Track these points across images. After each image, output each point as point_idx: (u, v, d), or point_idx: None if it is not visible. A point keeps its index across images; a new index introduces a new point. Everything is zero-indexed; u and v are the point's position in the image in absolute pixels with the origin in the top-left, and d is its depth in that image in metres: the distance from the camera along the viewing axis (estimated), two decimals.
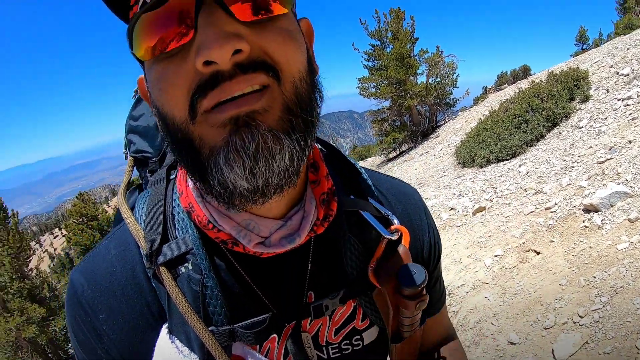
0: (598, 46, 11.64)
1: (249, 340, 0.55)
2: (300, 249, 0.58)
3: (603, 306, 3.03)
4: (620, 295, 2.97)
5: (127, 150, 0.91)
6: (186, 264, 0.55)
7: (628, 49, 8.46)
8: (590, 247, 3.73)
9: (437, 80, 15.52)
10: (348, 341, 0.64)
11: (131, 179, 0.83)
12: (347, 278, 0.62)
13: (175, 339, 0.54)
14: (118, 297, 0.55)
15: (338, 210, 0.58)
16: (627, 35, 10.47)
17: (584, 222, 4.21)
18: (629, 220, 3.90)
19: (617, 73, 7.24)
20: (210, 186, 0.45)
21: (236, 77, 0.41)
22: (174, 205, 0.59)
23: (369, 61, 16.33)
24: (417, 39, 15.19)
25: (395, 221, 0.64)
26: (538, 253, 4.11)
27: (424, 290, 0.61)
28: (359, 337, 0.65)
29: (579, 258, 3.67)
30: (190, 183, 0.56)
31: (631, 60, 7.46)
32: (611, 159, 5.05)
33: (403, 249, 0.62)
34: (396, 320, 0.64)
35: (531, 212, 4.74)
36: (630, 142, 5.10)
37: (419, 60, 15.23)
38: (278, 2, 0.45)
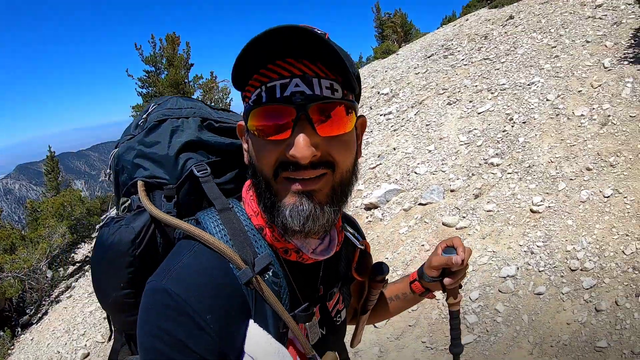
0: (359, 68, 13.39)
1: (304, 321, 0.79)
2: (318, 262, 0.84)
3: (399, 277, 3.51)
4: (411, 267, 3.42)
5: (117, 167, 0.97)
6: (269, 272, 0.75)
7: (386, 71, 10.04)
8: (377, 236, 4.24)
9: (211, 104, 15.62)
10: (336, 317, 0.93)
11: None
12: (340, 276, 0.93)
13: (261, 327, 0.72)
14: (220, 298, 0.69)
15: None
16: (385, 60, 12.26)
17: (367, 217, 4.80)
18: (404, 210, 4.61)
19: (379, 93, 8.69)
20: (275, 222, 0.71)
21: (308, 169, 0.66)
22: (244, 224, 0.78)
23: (143, 88, 15.63)
24: (192, 64, 15.21)
25: (359, 237, 0.95)
26: None
27: (385, 277, 0.97)
28: (340, 314, 0.94)
29: (372, 245, 4.10)
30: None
31: (389, 81, 9.01)
32: (380, 164, 5.92)
33: (370, 256, 0.96)
34: (365, 300, 1.01)
35: None
36: (394, 149, 6.07)
37: (194, 86, 15.26)
38: (345, 126, 0.69)
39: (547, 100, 5.22)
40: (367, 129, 7.09)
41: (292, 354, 0.75)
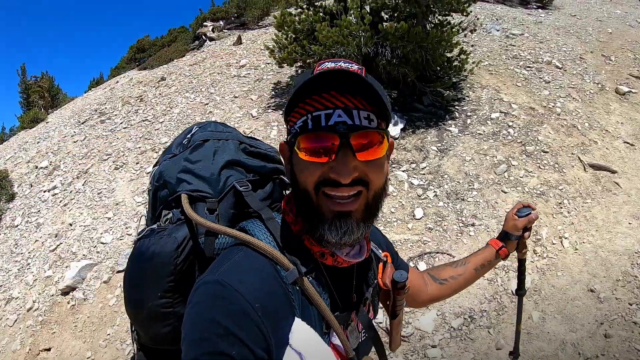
0: (4, 141, 11.41)
1: (343, 322, 0.87)
2: (350, 268, 0.91)
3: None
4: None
5: (157, 183, 1.06)
6: (312, 274, 0.84)
7: (39, 142, 9.11)
8: (88, 317, 4.31)
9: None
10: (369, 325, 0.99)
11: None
12: (370, 284, 1.00)
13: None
14: (269, 294, 0.76)
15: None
16: (34, 129, 10.99)
17: (69, 302, 4.69)
18: (105, 282, 4.74)
19: (37, 167, 7.85)
20: (313, 233, 0.81)
21: (347, 187, 0.77)
22: (287, 232, 0.87)
23: None
24: None
25: (380, 251, 1.06)
26: (49, 349, 4.25)
27: (406, 283, 1.03)
28: (371, 322, 1.01)
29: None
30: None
31: (47, 153, 8.23)
32: (61, 243, 5.70)
33: (390, 265, 1.03)
34: (392, 306, 1.04)
35: (16, 322, 4.70)
36: (70, 224, 5.94)
37: None
38: (380, 152, 0.79)
39: None
40: (34, 209, 6.62)
41: (334, 354, 0.83)
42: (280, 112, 6.38)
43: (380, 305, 1.12)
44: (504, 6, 12.13)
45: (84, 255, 5.33)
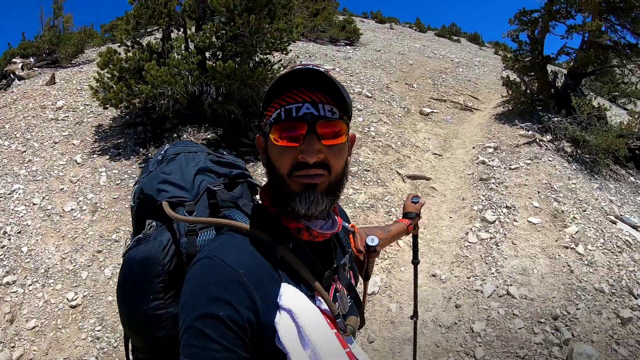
0: None
1: (324, 285, 0.96)
2: (327, 242, 1.03)
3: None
4: None
5: (139, 200, 1.15)
6: (289, 245, 0.93)
7: None
8: None
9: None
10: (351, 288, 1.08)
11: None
12: (346, 253, 1.11)
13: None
14: (255, 265, 0.86)
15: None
16: None
17: None
18: None
19: None
20: (285, 208, 0.92)
21: (313, 168, 0.89)
22: (264, 213, 0.99)
23: None
24: None
25: (348, 224, 1.20)
26: None
27: (377, 247, 1.22)
28: (355, 286, 1.11)
29: None
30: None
31: None
32: None
33: (359, 233, 1.24)
34: (366, 267, 1.24)
35: None
36: None
37: None
38: (343, 138, 0.93)
39: (34, 204, 5.39)
40: None
41: (323, 316, 0.92)
42: (107, 156, 6.12)
43: None
44: (315, 44, 13.37)
45: None
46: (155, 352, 1.04)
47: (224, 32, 5.02)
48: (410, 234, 1.80)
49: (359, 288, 1.22)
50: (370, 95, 8.81)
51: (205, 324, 0.77)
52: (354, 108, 7.93)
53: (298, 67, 0.91)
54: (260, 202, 1.04)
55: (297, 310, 0.83)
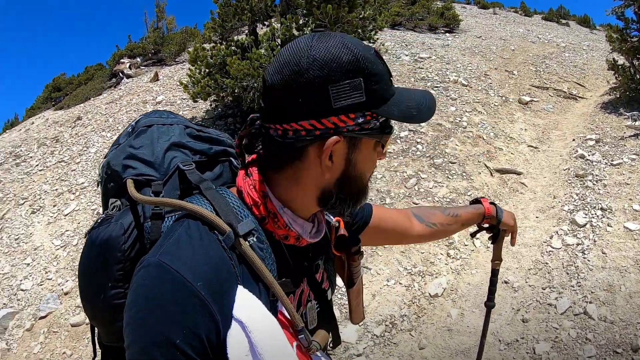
0: None
1: (291, 288, 0.83)
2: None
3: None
4: None
5: (106, 175, 1.02)
6: (252, 237, 0.77)
7: None
8: None
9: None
10: (321, 295, 0.97)
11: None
12: (323, 251, 0.98)
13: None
14: (209, 266, 0.71)
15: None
16: None
17: None
18: (27, 330, 4.67)
19: None
20: (345, 207, 0.84)
21: None
22: (230, 200, 0.81)
23: None
24: None
25: (332, 217, 1.01)
26: None
27: (360, 247, 1.00)
28: (326, 294, 0.99)
29: None
30: (275, 201, 0.82)
31: None
32: None
33: (342, 230, 1.00)
34: (349, 273, 1.02)
35: None
36: None
37: None
38: None
39: None
40: None
41: (282, 322, 0.78)
42: None
43: (339, 277, 1.08)
44: (413, 33, 13.08)
45: (4, 304, 5.22)
46: (117, 341, 0.93)
47: (304, 23, 5.15)
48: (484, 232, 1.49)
49: (343, 301, 1.06)
50: (466, 83, 8.44)
51: (160, 352, 0.66)
52: (448, 97, 7.69)
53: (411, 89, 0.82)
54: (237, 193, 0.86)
55: (249, 323, 0.71)
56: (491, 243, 1.49)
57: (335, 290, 1.12)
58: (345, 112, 0.72)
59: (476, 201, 1.45)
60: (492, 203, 1.41)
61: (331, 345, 0.99)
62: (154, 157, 0.99)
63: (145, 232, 0.89)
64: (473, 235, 1.54)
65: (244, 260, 0.75)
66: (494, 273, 1.59)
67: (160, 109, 8.04)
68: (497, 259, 1.54)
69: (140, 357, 0.67)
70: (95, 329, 1.04)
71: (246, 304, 0.72)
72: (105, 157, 1.08)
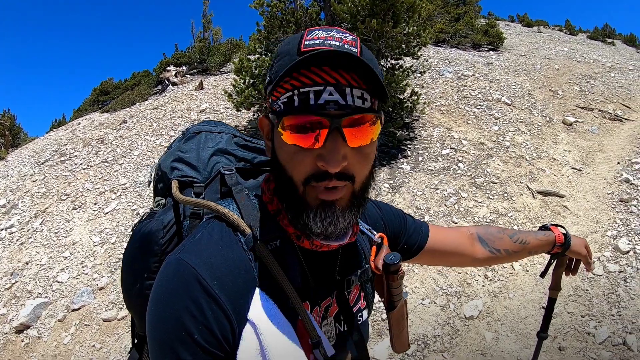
0: None
1: (312, 300, 0.81)
2: (335, 251, 0.85)
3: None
4: None
5: (157, 176, 1.12)
6: (275, 242, 0.78)
7: None
8: (42, 355, 4.32)
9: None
10: (357, 315, 0.93)
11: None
12: (359, 267, 0.93)
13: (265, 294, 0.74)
14: (228, 268, 0.73)
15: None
16: None
17: (23, 340, 4.70)
18: (59, 320, 4.80)
19: None
20: (297, 221, 0.75)
21: (334, 179, 0.69)
22: (257, 205, 0.83)
23: None
24: None
25: (375, 232, 0.95)
26: None
27: (401, 267, 0.90)
28: (361, 314, 0.94)
29: None
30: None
31: (5, 191, 8.19)
32: (16, 282, 5.69)
33: (386, 247, 0.92)
34: (388, 294, 0.93)
35: None
36: (27, 263, 5.94)
37: None
38: (372, 135, 0.72)
39: None
40: None
41: (301, 331, 0.76)
42: None
43: (378, 297, 1.00)
44: (457, 50, 12.95)
45: (39, 293, 5.36)
46: None
47: None
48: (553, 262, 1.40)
49: (375, 317, 0.96)
50: (509, 102, 8.27)
51: (181, 343, 0.67)
52: (491, 116, 7.53)
53: (316, 36, 0.71)
54: (261, 192, 0.87)
55: (261, 325, 0.70)
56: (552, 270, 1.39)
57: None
58: (268, 94, 0.76)
59: (544, 227, 1.36)
60: (560, 227, 1.34)
61: None
62: (199, 161, 1.05)
63: (183, 230, 0.93)
64: (542, 275, 1.45)
65: (262, 264, 0.75)
66: (551, 302, 1.48)
67: (204, 116, 8.54)
68: (555, 287, 1.45)
69: (157, 349, 0.69)
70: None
71: (261, 307, 0.72)
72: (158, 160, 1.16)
